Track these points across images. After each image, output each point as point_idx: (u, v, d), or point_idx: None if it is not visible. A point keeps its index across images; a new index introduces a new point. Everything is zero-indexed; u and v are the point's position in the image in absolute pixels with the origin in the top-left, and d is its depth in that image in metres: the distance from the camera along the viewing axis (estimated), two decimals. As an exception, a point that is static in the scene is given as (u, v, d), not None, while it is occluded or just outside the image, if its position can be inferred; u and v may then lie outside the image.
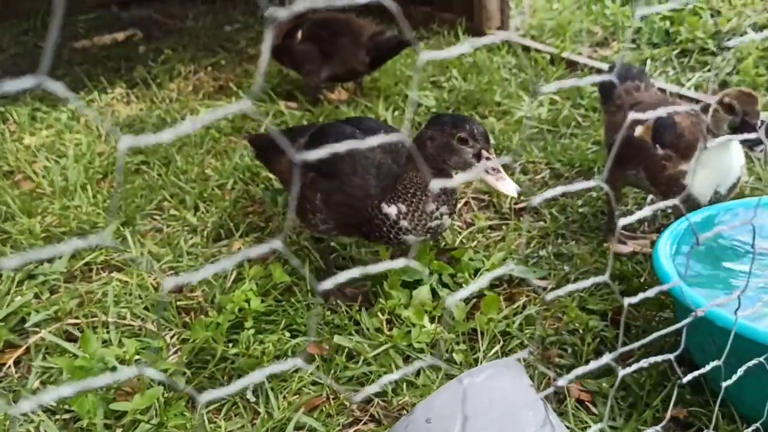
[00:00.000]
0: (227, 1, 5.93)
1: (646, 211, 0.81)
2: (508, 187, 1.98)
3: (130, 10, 5.73)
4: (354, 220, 2.22)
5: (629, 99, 2.61)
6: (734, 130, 2.16)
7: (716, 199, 2.31)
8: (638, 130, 2.45)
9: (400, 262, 0.76)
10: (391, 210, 2.14)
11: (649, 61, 3.90)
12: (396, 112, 3.68)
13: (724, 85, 3.63)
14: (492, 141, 3.27)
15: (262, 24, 5.25)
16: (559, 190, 0.74)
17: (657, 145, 2.38)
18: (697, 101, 3.29)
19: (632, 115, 0.87)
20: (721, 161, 2.26)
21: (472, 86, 3.80)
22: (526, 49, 4.20)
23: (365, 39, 3.72)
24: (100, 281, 2.53)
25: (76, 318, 2.33)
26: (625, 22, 4.31)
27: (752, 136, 2.05)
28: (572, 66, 3.96)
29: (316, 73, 3.79)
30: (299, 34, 3.85)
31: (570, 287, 0.81)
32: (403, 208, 2.13)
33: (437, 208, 2.13)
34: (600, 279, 0.79)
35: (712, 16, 4.20)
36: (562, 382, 0.81)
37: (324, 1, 0.63)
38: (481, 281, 0.77)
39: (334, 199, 2.24)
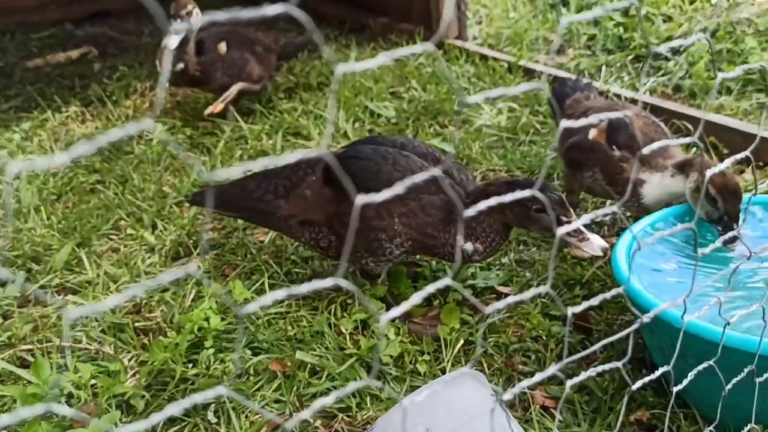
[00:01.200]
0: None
1: (585, 219, 0.80)
2: (592, 247, 1.97)
3: (85, 28, 5.65)
4: (428, 239, 2.18)
5: (580, 107, 2.65)
6: (710, 220, 2.13)
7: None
8: (591, 133, 2.48)
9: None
10: (468, 246, 2.15)
11: (604, 68, 3.95)
12: (356, 123, 3.67)
13: (677, 89, 3.68)
14: (452, 151, 3.29)
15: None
16: (492, 201, 0.73)
17: (613, 147, 2.41)
18: (646, 105, 3.33)
19: (564, 123, 0.87)
20: (677, 190, 2.28)
21: (432, 96, 3.80)
22: (484, 57, 4.23)
23: (274, 45, 3.88)
24: (54, 305, 2.46)
25: (30, 343, 2.26)
26: (581, 29, 4.36)
27: (730, 235, 2.01)
28: (530, 73, 3.99)
29: (259, 80, 3.78)
30: (223, 45, 3.68)
31: (510, 299, 0.80)
32: (480, 248, 2.15)
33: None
34: (542, 289, 0.78)
35: (664, 21, 4.28)
36: (507, 396, 0.80)
37: (225, 15, 0.61)
38: (415, 298, 0.75)
39: (416, 221, 2.16)
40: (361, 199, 0.72)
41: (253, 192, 2.36)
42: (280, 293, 0.70)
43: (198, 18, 3.34)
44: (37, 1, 5.74)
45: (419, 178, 0.77)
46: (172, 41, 3.32)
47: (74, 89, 4.37)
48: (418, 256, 2.49)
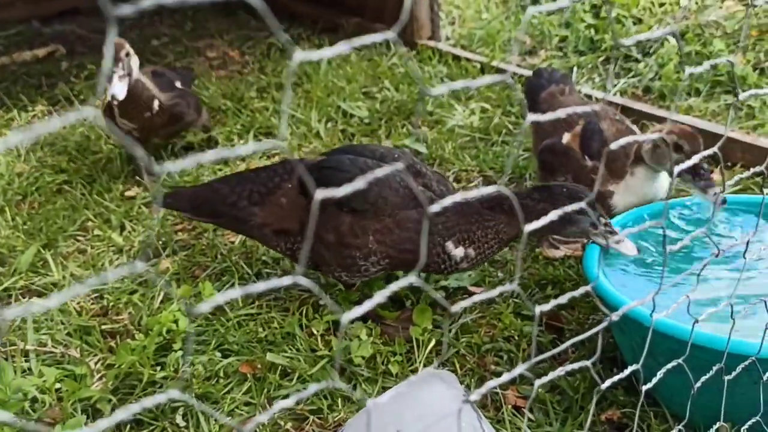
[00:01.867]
0: (153, 15, 5.80)
1: (552, 216, 0.79)
2: (628, 247, 1.95)
3: (53, 26, 5.55)
4: (410, 256, 2.11)
5: (555, 103, 2.64)
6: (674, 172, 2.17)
7: None
8: (565, 137, 2.48)
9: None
10: (458, 252, 2.09)
11: (575, 69, 3.98)
12: (329, 123, 3.65)
13: (647, 90, 3.72)
14: (425, 151, 3.28)
15: (191, 38, 5.16)
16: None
17: (586, 156, 2.42)
18: (621, 106, 3.36)
19: (530, 118, 0.86)
20: (648, 189, 2.31)
21: (405, 96, 3.80)
22: (457, 58, 4.23)
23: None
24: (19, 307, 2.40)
25: (-7, 347, 2.21)
26: (552, 30, 4.39)
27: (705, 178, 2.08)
28: (502, 74, 4.00)
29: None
30: (178, 82, 3.27)
31: (477, 297, 0.79)
32: (472, 253, 2.09)
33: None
34: (508, 287, 0.78)
35: (634, 23, 4.32)
36: (474, 396, 0.79)
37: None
38: (378, 297, 0.74)
39: (392, 238, 2.08)
40: (320, 194, 0.70)
41: (227, 197, 2.26)
42: (234, 293, 0.68)
43: (135, 57, 2.91)
44: (4, -2, 5.64)
45: (381, 172, 0.75)
46: (118, 89, 2.80)
47: (41, 88, 4.29)
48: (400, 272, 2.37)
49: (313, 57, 0.68)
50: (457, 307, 0.74)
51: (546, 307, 0.80)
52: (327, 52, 0.70)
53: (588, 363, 0.93)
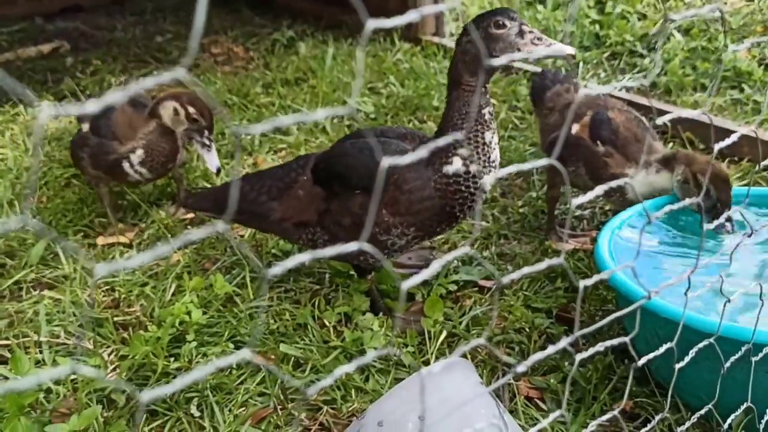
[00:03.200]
0: (157, 11, 5.81)
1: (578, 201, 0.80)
2: (560, 48, 1.87)
3: (56, 22, 5.55)
4: (432, 212, 2.06)
5: (561, 100, 2.66)
6: (701, 210, 2.18)
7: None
8: (574, 128, 2.49)
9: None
10: (456, 165, 2.00)
11: (581, 64, 3.99)
12: (335, 119, 3.65)
13: (653, 86, 3.73)
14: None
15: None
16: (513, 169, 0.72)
17: (597, 142, 2.43)
18: (629, 102, 3.37)
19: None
20: (665, 188, 2.32)
21: (410, 92, 3.81)
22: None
23: None
24: (30, 300, 2.41)
25: (6, 339, 2.21)
26: (557, 26, 4.40)
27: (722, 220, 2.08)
28: (507, 70, 4.01)
29: None
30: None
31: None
32: (465, 152, 2.00)
33: (492, 135, 2.02)
34: (555, 262, 0.78)
35: (639, 19, 4.33)
36: (521, 368, 0.80)
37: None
38: (436, 264, 0.74)
39: (403, 206, 2.06)
40: (386, 162, 0.70)
41: (247, 194, 2.28)
42: (304, 256, 0.68)
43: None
44: (7, -5, 5.64)
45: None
46: (216, 162, 2.62)
47: (46, 83, 4.29)
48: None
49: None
50: (506, 279, 0.75)
51: (590, 281, 0.81)
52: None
53: (627, 339, 0.93)
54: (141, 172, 2.67)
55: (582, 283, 0.76)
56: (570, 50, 1.87)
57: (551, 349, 0.82)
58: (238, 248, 2.54)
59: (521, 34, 1.93)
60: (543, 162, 0.79)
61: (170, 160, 2.70)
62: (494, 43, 1.93)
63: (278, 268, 0.65)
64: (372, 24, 0.70)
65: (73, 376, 2.00)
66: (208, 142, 2.61)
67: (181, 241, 0.72)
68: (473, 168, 2.00)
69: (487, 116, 2.01)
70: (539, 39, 1.93)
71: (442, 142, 0.89)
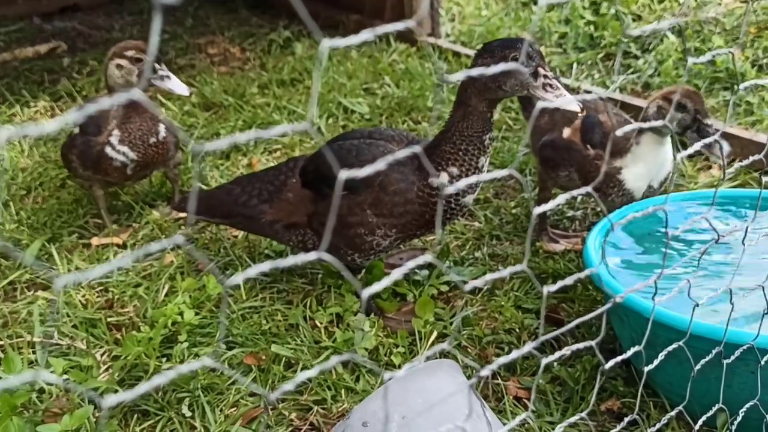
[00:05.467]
0: (154, 11, 5.82)
1: (560, 199, 0.82)
2: (568, 101, 1.86)
3: (53, 22, 5.57)
4: (413, 216, 2.09)
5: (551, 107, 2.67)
6: (684, 128, 2.24)
7: (649, 193, 2.39)
8: (566, 132, 2.51)
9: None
10: (442, 179, 2.02)
11: (575, 65, 4.00)
12: (330, 119, 3.67)
13: (647, 86, 3.74)
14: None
15: (191, 34, 5.18)
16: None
17: (588, 146, 2.44)
18: (620, 103, 3.38)
19: (539, 105, 0.89)
20: (656, 156, 2.34)
21: (405, 92, 3.82)
22: (457, 54, 4.26)
23: None
24: (24, 300, 2.43)
25: (0, 339, 2.23)
26: (552, 27, 4.41)
27: (710, 139, 2.11)
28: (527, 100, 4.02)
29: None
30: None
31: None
32: (456, 171, 2.03)
33: (485, 159, 2.04)
34: (518, 267, 0.80)
35: (633, 20, 4.34)
36: (485, 372, 0.82)
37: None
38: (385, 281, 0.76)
39: (386, 207, 2.09)
40: (343, 174, 0.72)
41: (239, 197, 2.32)
42: (264, 266, 0.70)
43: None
44: (4, -5, 5.65)
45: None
46: (181, 85, 2.57)
47: (43, 84, 4.31)
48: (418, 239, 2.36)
49: (341, 44, 0.70)
50: (478, 283, 0.77)
51: (553, 288, 0.83)
52: (353, 40, 0.73)
53: (593, 343, 0.95)
54: (124, 152, 2.64)
55: (545, 289, 0.77)
56: (576, 107, 1.87)
57: (515, 354, 0.84)
58: (201, 257, 2.56)
59: (535, 75, 1.91)
60: (504, 173, 0.81)
61: (148, 134, 2.66)
62: (506, 77, 1.92)
63: (239, 277, 0.66)
64: (328, 43, 0.71)
65: (65, 377, 2.02)
66: (164, 73, 2.55)
67: (172, 241, 0.74)
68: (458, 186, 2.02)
69: (486, 141, 2.04)
70: (551, 87, 1.91)
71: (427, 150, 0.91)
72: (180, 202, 2.53)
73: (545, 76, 1.91)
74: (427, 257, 0.75)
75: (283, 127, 0.73)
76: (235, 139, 0.69)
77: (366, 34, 0.72)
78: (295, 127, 0.71)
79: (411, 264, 0.81)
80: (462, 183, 0.79)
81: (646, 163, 2.35)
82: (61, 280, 0.64)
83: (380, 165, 0.81)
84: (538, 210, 0.77)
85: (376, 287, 0.73)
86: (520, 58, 1.89)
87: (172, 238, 0.70)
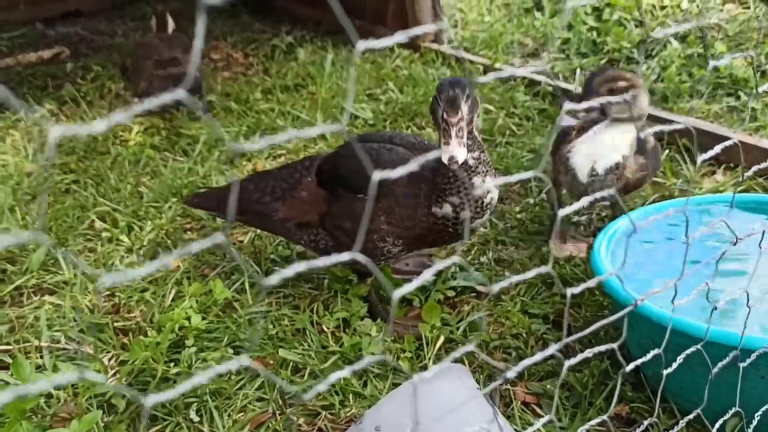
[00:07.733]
0: (197, 12, 5.83)
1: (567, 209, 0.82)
2: (444, 150, 1.88)
3: (56, 27, 5.58)
4: (417, 231, 2.11)
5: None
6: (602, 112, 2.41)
7: (594, 179, 2.40)
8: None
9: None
10: (446, 209, 2.04)
11: (578, 71, 4.01)
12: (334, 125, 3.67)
13: (650, 93, 3.75)
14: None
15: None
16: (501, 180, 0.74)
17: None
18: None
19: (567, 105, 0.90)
20: (602, 137, 2.41)
21: (409, 98, 3.83)
22: (460, 60, 4.27)
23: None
24: (31, 305, 2.43)
25: (7, 344, 2.23)
26: (555, 33, 4.42)
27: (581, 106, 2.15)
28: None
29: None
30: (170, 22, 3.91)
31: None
32: (456, 200, 2.03)
33: (482, 180, 2.03)
34: (543, 269, 0.81)
35: (636, 26, 4.36)
36: (510, 374, 0.82)
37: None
38: (428, 273, 0.76)
39: (395, 217, 2.09)
40: (377, 175, 0.72)
41: (252, 194, 2.32)
42: (300, 266, 0.70)
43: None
44: (7, 0, 5.66)
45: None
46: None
47: (47, 89, 4.31)
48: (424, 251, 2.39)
49: (375, 45, 0.71)
50: (496, 287, 0.77)
51: (576, 290, 0.83)
52: (385, 42, 0.73)
53: (614, 345, 0.95)
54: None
55: (569, 291, 0.78)
56: (445, 159, 1.87)
57: (539, 356, 0.84)
58: (239, 258, 2.56)
59: (447, 123, 1.90)
60: (530, 174, 0.81)
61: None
62: (433, 115, 1.99)
63: (276, 278, 0.67)
64: (363, 45, 0.72)
65: (73, 381, 2.02)
66: None
67: (183, 251, 0.74)
68: (463, 215, 2.04)
69: (470, 162, 2.01)
70: (446, 132, 1.91)
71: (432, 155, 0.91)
72: (193, 198, 2.53)
73: (445, 121, 1.91)
74: (455, 259, 0.76)
75: (318, 128, 0.74)
76: (274, 140, 0.70)
77: (399, 36, 0.72)
78: (330, 128, 0.71)
79: (440, 265, 0.81)
80: (467, 213, 0.79)
81: (588, 143, 2.42)
82: (107, 279, 0.64)
83: (399, 172, 0.81)
84: (563, 212, 0.78)
85: (407, 288, 0.74)
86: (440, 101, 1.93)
87: (212, 237, 0.70)
